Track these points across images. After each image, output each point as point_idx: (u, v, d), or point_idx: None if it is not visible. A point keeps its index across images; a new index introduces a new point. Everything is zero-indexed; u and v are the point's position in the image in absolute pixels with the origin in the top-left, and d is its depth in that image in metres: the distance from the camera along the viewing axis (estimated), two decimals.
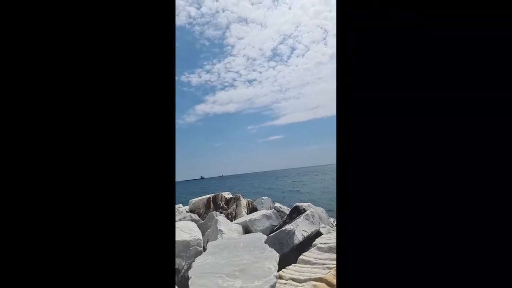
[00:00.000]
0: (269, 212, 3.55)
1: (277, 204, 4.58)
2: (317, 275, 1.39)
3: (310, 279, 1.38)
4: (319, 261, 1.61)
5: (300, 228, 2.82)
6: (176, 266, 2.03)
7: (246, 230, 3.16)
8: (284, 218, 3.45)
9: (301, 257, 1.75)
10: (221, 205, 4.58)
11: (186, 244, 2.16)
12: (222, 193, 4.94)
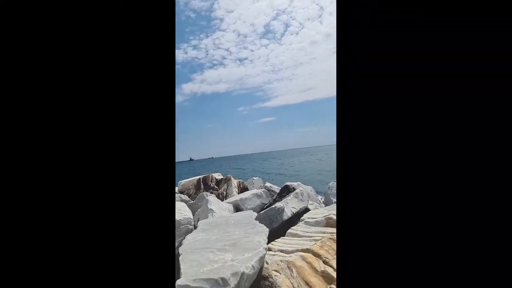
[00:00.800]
0: (259, 191, 3.63)
1: (267, 184, 4.68)
2: (304, 247, 1.46)
3: (297, 250, 1.45)
4: (306, 234, 1.69)
5: (289, 206, 2.92)
6: None
7: (237, 209, 3.23)
8: (274, 197, 3.55)
9: (289, 230, 1.83)
10: (212, 185, 4.62)
11: (176, 224, 2.19)
12: (213, 174, 4.96)
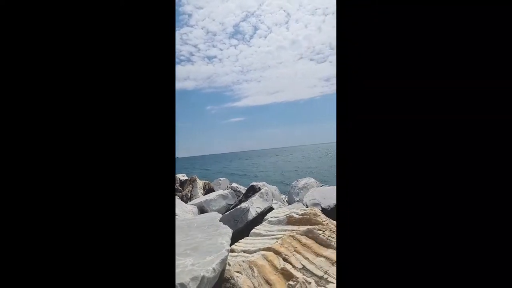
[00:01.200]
0: (225, 192, 3.61)
1: (234, 184, 4.68)
2: (266, 245, 1.51)
3: (259, 249, 1.49)
4: (269, 233, 1.75)
5: (254, 205, 2.97)
6: None
7: (202, 210, 3.16)
8: (240, 197, 3.56)
9: (253, 230, 1.87)
10: (176, 187, 4.42)
11: None
12: (177, 175, 4.75)
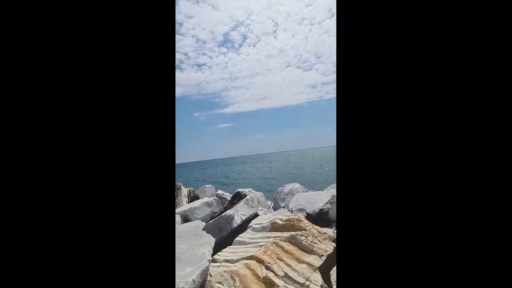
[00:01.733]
0: (210, 199, 3.54)
1: (219, 191, 4.60)
2: (249, 254, 1.49)
3: (242, 258, 1.47)
4: (252, 240, 1.73)
5: (239, 213, 2.94)
6: None
7: (185, 219, 3.07)
8: (225, 204, 3.51)
9: (236, 238, 1.84)
10: None
11: None
12: None
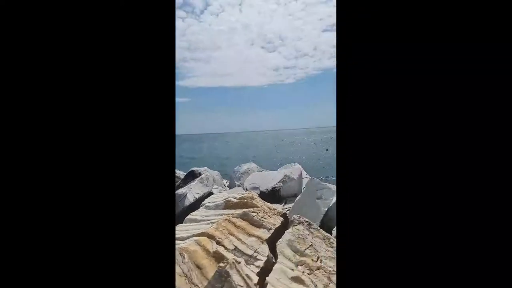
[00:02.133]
0: None
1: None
2: (200, 231, 1.49)
3: (193, 235, 1.46)
4: (205, 218, 1.73)
5: (192, 191, 2.88)
6: None
7: None
8: (178, 183, 3.38)
9: (188, 216, 1.81)
10: None
11: None
12: None
